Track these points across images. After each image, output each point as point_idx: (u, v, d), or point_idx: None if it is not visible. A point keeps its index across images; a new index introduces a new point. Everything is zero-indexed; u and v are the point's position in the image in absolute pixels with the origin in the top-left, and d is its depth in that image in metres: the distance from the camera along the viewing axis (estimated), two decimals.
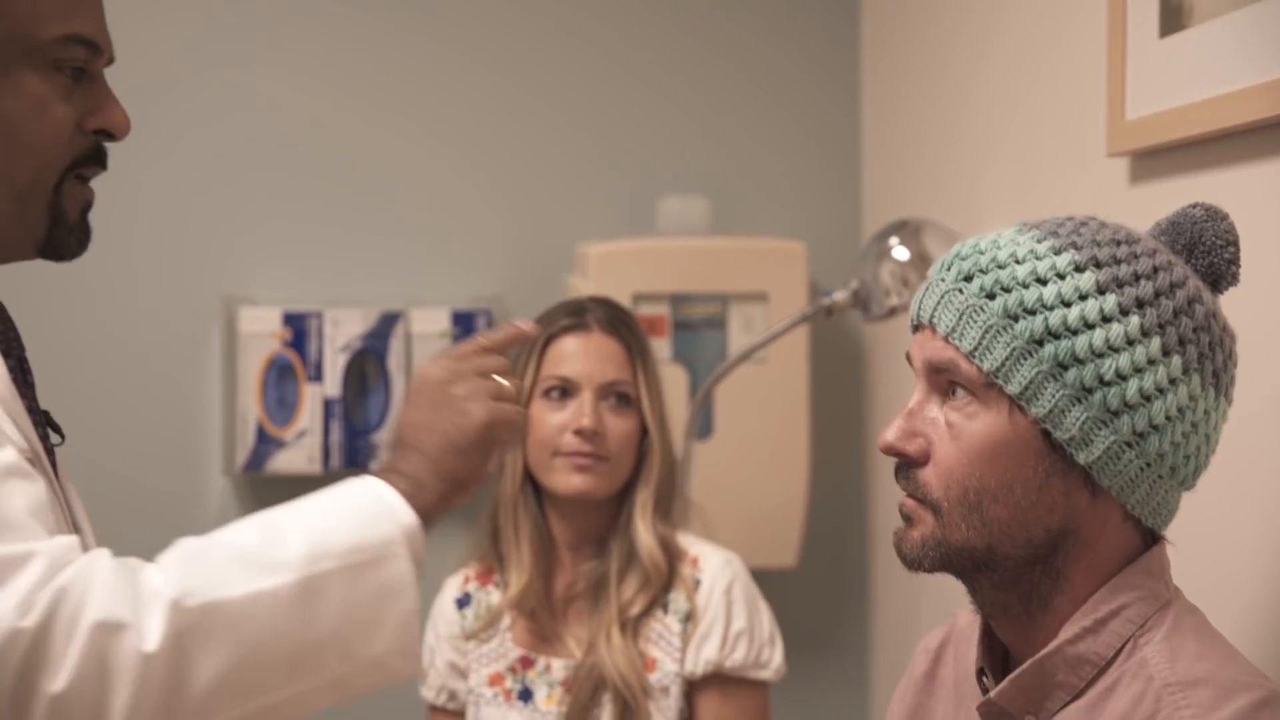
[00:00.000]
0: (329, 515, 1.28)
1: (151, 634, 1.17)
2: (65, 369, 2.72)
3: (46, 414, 1.44)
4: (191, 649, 1.18)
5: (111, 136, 1.39)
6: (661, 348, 2.68)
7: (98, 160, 1.39)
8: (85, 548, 1.40)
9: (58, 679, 1.14)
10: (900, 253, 2.39)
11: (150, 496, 2.76)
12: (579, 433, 2.10)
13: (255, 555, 1.23)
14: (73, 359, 2.73)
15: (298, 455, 2.72)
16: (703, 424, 2.69)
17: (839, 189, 2.92)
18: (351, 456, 2.74)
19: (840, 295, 2.45)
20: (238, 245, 2.78)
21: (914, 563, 1.31)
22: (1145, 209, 1.73)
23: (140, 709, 1.16)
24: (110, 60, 1.40)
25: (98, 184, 2.79)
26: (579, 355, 2.14)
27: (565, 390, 2.14)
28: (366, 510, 1.29)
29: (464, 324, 2.77)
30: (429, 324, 2.76)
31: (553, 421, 2.12)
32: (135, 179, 2.75)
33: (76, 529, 1.41)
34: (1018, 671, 1.28)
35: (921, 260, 2.37)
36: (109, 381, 2.75)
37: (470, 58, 2.84)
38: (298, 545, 1.24)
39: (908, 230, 2.40)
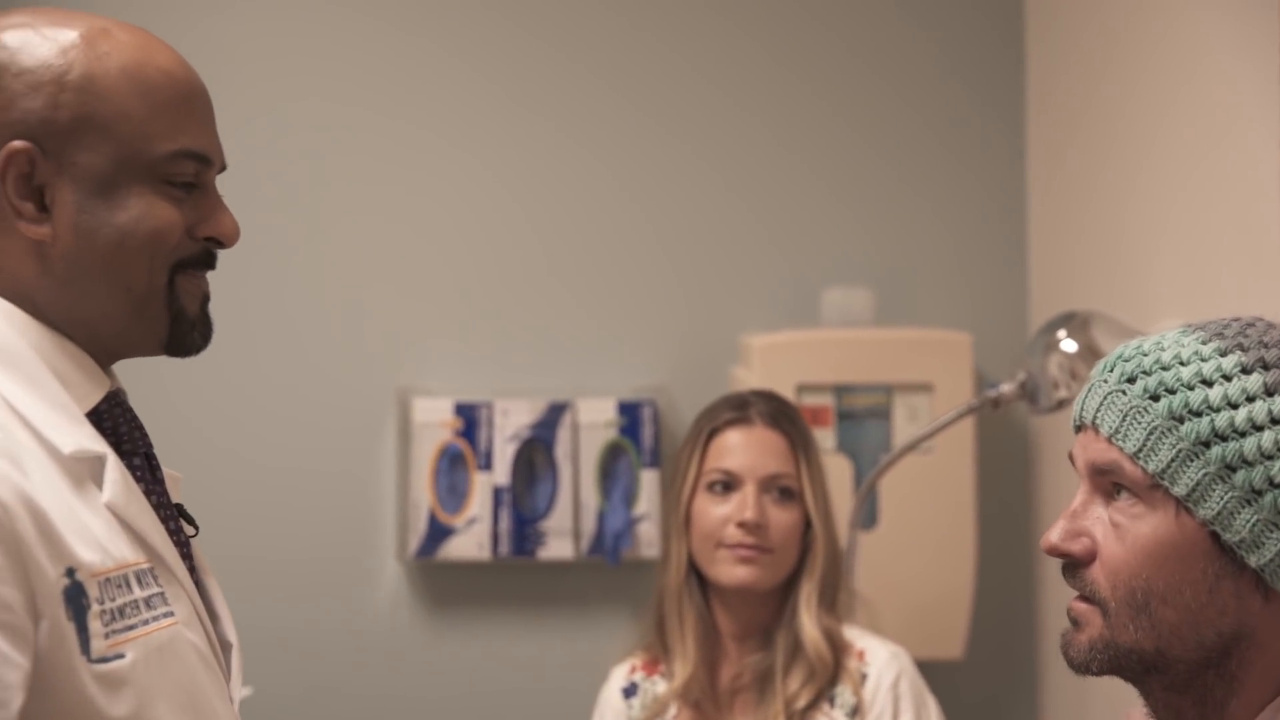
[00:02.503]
0: None
1: None
2: (249, 460, 2.83)
3: (179, 506, 1.46)
4: None
5: (221, 244, 1.42)
6: (825, 438, 2.69)
7: (206, 264, 1.42)
8: (221, 635, 1.44)
9: None
10: (1068, 345, 2.37)
11: (327, 581, 2.84)
12: (742, 525, 2.12)
13: None
14: (257, 451, 2.83)
15: (468, 542, 2.78)
16: (867, 514, 2.69)
17: (1004, 280, 2.91)
18: (520, 544, 2.79)
19: (1007, 387, 2.44)
20: (412, 338, 2.87)
21: (1081, 666, 1.29)
22: None
23: None
24: (222, 168, 1.44)
25: (284, 288, 2.92)
26: (742, 448, 2.16)
27: (728, 484, 2.16)
28: None
29: (629, 414, 2.81)
30: (596, 414, 2.81)
31: (716, 514, 2.15)
32: (318, 281, 2.87)
33: (214, 617, 1.44)
34: None
35: (1090, 353, 2.35)
36: (290, 472, 2.84)
37: (634, 156, 2.91)
38: None
39: (1076, 322, 2.38)
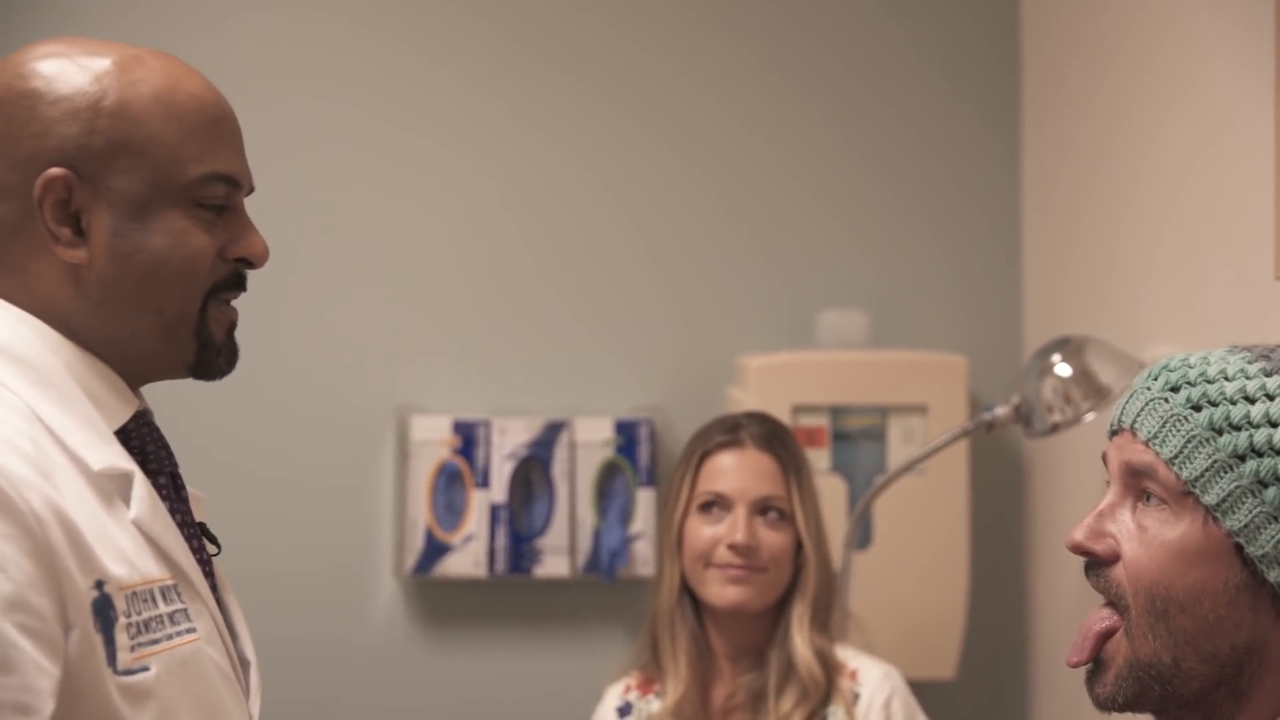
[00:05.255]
0: None
1: None
2: (248, 476, 2.85)
3: (203, 525, 1.49)
4: None
5: (251, 264, 1.46)
6: (820, 458, 2.71)
7: (238, 284, 1.46)
8: (240, 653, 1.47)
9: None
10: (1063, 369, 2.39)
11: (324, 597, 2.86)
12: (732, 547, 2.14)
13: None
14: (255, 466, 2.85)
15: (464, 560, 2.80)
16: (862, 535, 2.71)
17: (999, 303, 2.94)
18: (516, 562, 2.81)
19: (1002, 410, 2.46)
20: (411, 357, 2.89)
21: (1108, 701, 1.30)
22: None
23: None
24: (250, 191, 1.48)
25: (283, 304, 2.94)
26: (733, 471, 2.18)
27: (720, 505, 2.18)
28: None
29: (626, 433, 2.83)
30: (592, 433, 2.83)
31: (707, 534, 2.17)
32: (316, 297, 2.88)
33: (233, 635, 1.47)
34: None
35: (1084, 377, 2.37)
36: (289, 488, 2.86)
37: (634, 177, 2.93)
38: None
39: (1071, 347, 2.41)
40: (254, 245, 1.45)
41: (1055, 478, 2.76)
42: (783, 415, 2.64)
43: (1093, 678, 1.32)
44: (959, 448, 2.70)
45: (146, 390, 1.50)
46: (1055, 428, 2.39)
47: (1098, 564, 1.31)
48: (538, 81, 2.92)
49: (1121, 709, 1.30)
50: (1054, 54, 2.82)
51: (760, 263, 2.93)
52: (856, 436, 2.76)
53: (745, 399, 2.70)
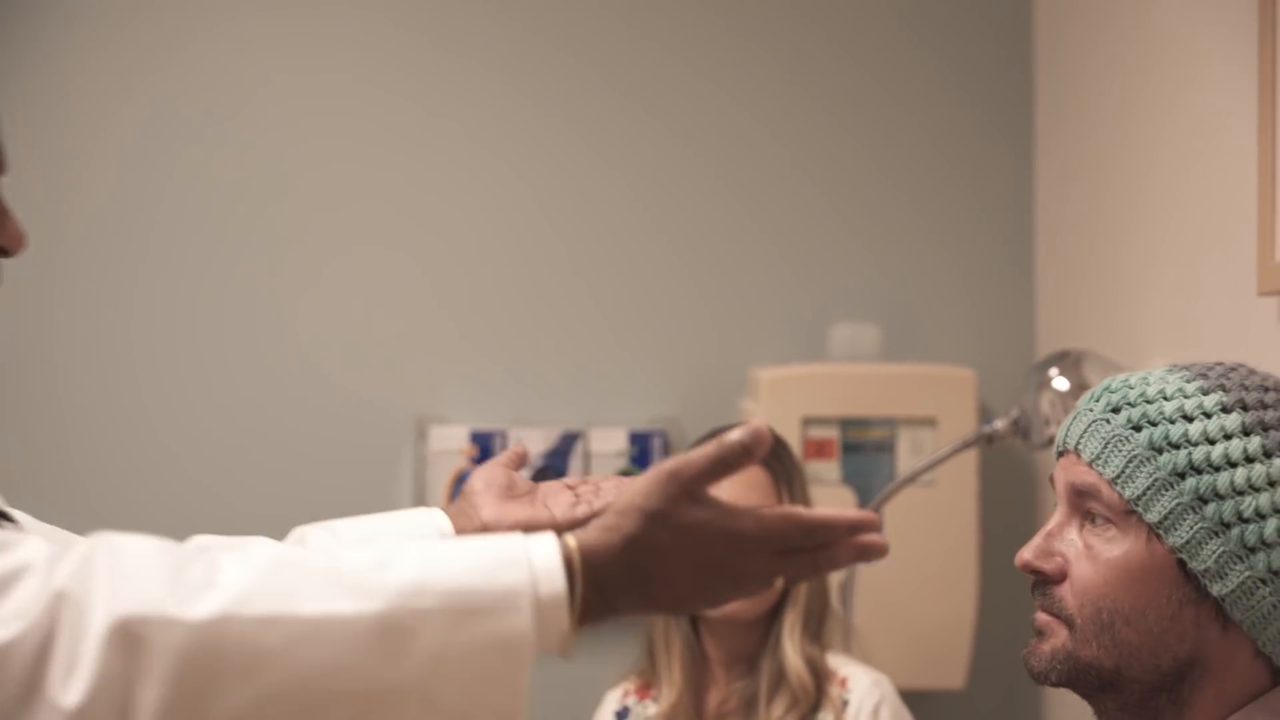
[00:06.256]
0: (455, 552, 1.08)
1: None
2: (269, 485, 2.91)
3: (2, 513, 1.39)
4: (222, 671, 1.02)
5: (6, 253, 1.31)
6: (831, 470, 2.75)
7: None
8: None
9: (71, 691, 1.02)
10: (1060, 383, 2.41)
11: None
12: None
13: (348, 574, 1.06)
14: (276, 475, 2.92)
15: None
16: None
17: (1010, 317, 2.96)
18: None
19: (1001, 423, 2.49)
20: (430, 368, 2.96)
21: (1040, 676, 1.35)
22: None
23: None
24: (3, 171, 1.31)
25: (303, 316, 2.98)
26: (725, 484, 2.21)
27: None
28: (504, 557, 1.07)
29: (640, 444, 2.88)
30: (607, 443, 2.88)
31: None
32: (335, 309, 2.95)
33: None
34: None
35: (1081, 390, 2.39)
36: (309, 496, 2.91)
37: (649, 192, 2.98)
38: (400, 574, 1.06)
39: (1068, 361, 2.43)
40: (10, 232, 1.29)
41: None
42: (793, 427, 2.69)
43: (1030, 646, 1.35)
44: (968, 459, 2.73)
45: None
46: (1053, 441, 2.41)
47: (1045, 582, 1.35)
48: (563, 94, 2.97)
49: (1054, 685, 1.34)
50: (1066, 74, 2.84)
51: (773, 276, 2.97)
52: (866, 448, 2.79)
53: (757, 411, 2.74)
